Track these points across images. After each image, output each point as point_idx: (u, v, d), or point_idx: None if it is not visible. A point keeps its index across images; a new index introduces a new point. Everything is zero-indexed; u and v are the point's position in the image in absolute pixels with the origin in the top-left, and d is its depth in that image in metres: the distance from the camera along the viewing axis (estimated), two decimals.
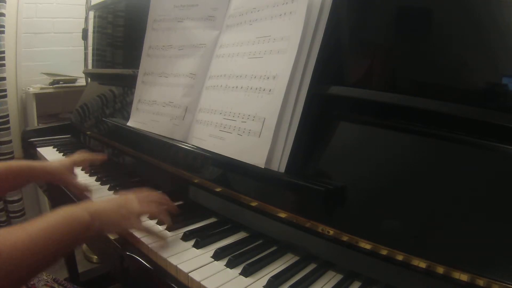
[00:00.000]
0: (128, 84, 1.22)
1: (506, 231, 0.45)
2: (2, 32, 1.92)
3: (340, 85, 0.66)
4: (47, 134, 1.45)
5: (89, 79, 1.68)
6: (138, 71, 1.09)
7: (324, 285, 0.56)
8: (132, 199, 0.67)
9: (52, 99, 2.15)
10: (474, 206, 0.49)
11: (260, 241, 0.68)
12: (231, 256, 0.60)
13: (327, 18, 0.66)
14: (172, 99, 0.95)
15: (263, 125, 0.69)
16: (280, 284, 0.55)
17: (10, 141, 2.03)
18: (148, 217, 0.73)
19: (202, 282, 0.55)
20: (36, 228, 0.52)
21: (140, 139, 0.99)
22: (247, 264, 0.58)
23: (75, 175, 0.95)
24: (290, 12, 0.70)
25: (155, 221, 0.74)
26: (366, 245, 0.54)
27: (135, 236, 0.68)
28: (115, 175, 1.04)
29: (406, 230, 0.53)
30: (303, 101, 0.67)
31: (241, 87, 0.76)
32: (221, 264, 0.60)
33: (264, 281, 0.55)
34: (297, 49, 0.67)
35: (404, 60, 0.63)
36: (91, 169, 1.06)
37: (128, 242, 0.69)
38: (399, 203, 0.55)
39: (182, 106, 0.91)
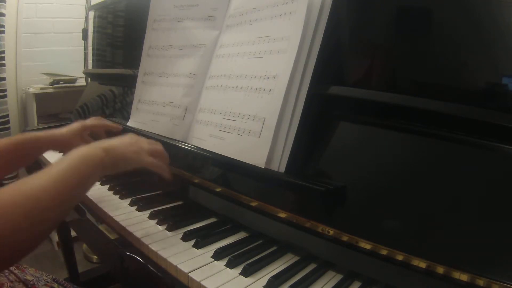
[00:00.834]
0: (128, 84, 1.22)
1: (506, 231, 0.45)
2: (2, 32, 1.92)
3: (340, 85, 0.66)
4: None
5: (89, 79, 1.68)
6: (138, 71, 1.09)
7: (324, 285, 0.56)
8: (141, 138, 0.71)
9: (52, 99, 2.15)
10: (474, 206, 0.49)
11: (260, 241, 0.68)
12: (231, 256, 0.60)
13: (327, 18, 0.66)
14: (172, 99, 0.95)
15: (263, 125, 0.69)
16: (280, 284, 0.55)
17: None
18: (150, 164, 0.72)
19: (202, 282, 0.55)
20: (57, 171, 0.54)
21: None
22: (247, 264, 0.58)
23: (87, 140, 0.92)
24: (290, 12, 0.70)
25: (155, 221, 0.74)
26: (366, 245, 0.54)
27: (135, 236, 0.68)
28: (115, 174, 1.03)
29: (406, 230, 0.53)
30: (303, 101, 0.67)
31: (241, 87, 0.76)
32: (221, 264, 0.60)
33: (264, 281, 0.55)
34: (297, 49, 0.67)
35: (404, 60, 0.63)
36: None
37: (128, 242, 0.69)
38: (399, 203, 0.55)
39: (182, 106, 0.91)
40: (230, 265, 0.59)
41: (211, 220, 0.77)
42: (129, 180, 0.99)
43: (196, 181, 0.82)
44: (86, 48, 1.73)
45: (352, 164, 0.62)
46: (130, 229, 0.71)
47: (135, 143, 0.69)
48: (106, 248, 0.74)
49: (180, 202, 0.85)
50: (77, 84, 2.14)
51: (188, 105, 0.90)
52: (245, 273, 0.57)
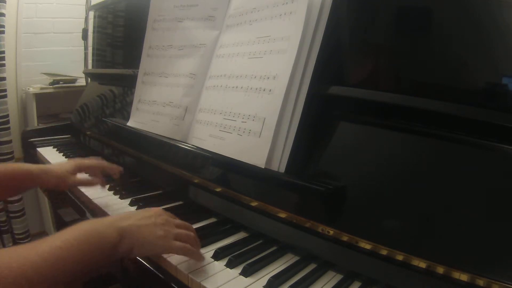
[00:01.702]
0: (128, 84, 1.22)
1: (506, 231, 0.45)
2: (2, 32, 1.92)
3: (340, 85, 0.66)
4: (47, 134, 1.45)
5: (89, 79, 1.68)
6: (138, 71, 1.09)
7: (324, 285, 0.56)
8: (169, 219, 0.59)
9: (52, 99, 2.15)
10: (474, 206, 0.49)
11: (260, 241, 0.68)
12: (231, 256, 0.60)
13: (327, 18, 0.66)
14: (172, 99, 0.95)
15: (263, 125, 0.69)
16: (280, 284, 0.55)
17: (10, 141, 2.02)
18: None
19: (202, 282, 0.55)
20: (50, 247, 0.45)
21: (140, 139, 0.99)
22: (247, 264, 0.58)
23: (83, 181, 0.85)
24: (290, 12, 0.70)
25: None
26: (366, 245, 0.54)
27: None
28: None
29: (406, 230, 0.53)
30: (303, 101, 0.67)
31: (241, 87, 0.76)
32: (221, 264, 0.60)
33: (264, 281, 0.55)
34: (297, 49, 0.67)
35: (404, 60, 0.63)
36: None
37: None
38: (399, 203, 0.55)
39: (182, 106, 0.91)
40: (230, 265, 0.59)
41: (211, 220, 0.77)
42: (129, 180, 0.99)
43: (196, 181, 0.82)
44: (86, 48, 1.73)
45: (352, 164, 0.62)
46: None
47: (161, 225, 0.56)
48: None
49: (180, 202, 0.85)
50: (77, 84, 2.14)
51: (188, 105, 0.90)
52: (245, 273, 0.57)
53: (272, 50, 0.73)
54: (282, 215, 0.65)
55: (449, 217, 0.50)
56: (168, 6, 1.02)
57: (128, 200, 0.84)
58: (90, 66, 1.66)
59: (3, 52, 1.94)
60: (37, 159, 1.28)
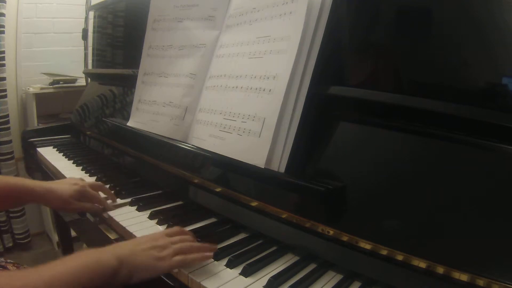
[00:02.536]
0: (128, 84, 1.22)
1: (506, 231, 0.45)
2: (2, 32, 1.92)
3: (340, 85, 0.66)
4: (47, 134, 1.45)
5: (89, 79, 1.68)
6: (138, 71, 1.09)
7: (324, 285, 0.56)
8: (165, 238, 0.61)
9: (52, 99, 2.15)
10: (474, 206, 0.49)
11: (260, 241, 0.68)
12: (231, 256, 0.60)
13: (327, 18, 0.66)
14: (172, 99, 0.95)
15: (263, 125, 0.69)
16: (280, 284, 0.55)
17: (10, 141, 2.03)
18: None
19: (202, 283, 0.55)
20: (52, 274, 0.46)
21: (140, 139, 0.99)
22: (247, 264, 0.58)
23: (85, 206, 0.81)
24: (290, 12, 0.70)
25: (155, 221, 0.74)
26: (366, 245, 0.54)
27: (135, 236, 0.68)
28: (114, 175, 1.04)
29: (406, 230, 0.53)
30: (303, 101, 0.67)
31: (241, 87, 0.76)
32: (221, 264, 0.60)
33: (264, 281, 0.55)
34: (297, 49, 0.67)
35: (404, 60, 0.63)
36: (90, 169, 1.06)
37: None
38: (399, 203, 0.55)
39: (182, 106, 0.91)
40: (230, 265, 0.59)
41: (211, 220, 0.77)
42: (129, 180, 0.99)
43: (196, 181, 0.82)
44: (86, 48, 1.73)
45: (352, 164, 0.62)
46: (130, 229, 0.71)
47: (160, 247, 0.58)
48: None
49: (180, 202, 0.85)
50: (77, 84, 2.14)
51: (188, 105, 0.90)
52: (245, 273, 0.57)
53: (272, 50, 0.73)
54: (282, 215, 0.65)
55: (449, 217, 0.50)
56: (168, 6, 1.02)
57: (128, 200, 0.84)
58: (90, 66, 1.66)
59: (3, 52, 1.94)
60: (37, 159, 1.28)
